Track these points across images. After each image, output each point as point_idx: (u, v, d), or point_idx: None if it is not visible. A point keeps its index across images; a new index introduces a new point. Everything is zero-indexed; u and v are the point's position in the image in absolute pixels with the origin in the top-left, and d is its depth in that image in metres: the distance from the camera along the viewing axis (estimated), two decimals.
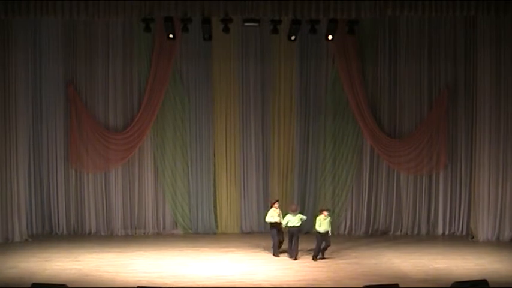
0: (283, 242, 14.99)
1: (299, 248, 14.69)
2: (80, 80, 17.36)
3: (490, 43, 16.33)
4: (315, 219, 14.71)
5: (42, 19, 16.39)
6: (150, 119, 17.21)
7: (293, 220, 14.60)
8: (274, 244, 14.95)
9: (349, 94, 17.24)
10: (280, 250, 14.99)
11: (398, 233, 17.52)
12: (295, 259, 14.56)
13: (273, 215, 14.88)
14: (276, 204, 15.03)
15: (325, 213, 14.59)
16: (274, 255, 14.89)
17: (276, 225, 14.85)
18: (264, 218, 15.34)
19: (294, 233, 14.60)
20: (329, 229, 14.59)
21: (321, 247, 14.60)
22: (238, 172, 17.71)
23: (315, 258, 14.53)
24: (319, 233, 14.54)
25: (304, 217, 14.83)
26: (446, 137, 17.42)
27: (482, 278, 10.55)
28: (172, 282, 12.49)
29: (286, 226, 14.65)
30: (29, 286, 9.85)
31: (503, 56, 16.24)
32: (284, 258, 14.80)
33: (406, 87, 17.51)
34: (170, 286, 11.83)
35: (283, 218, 14.79)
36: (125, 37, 17.30)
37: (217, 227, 17.81)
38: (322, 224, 14.52)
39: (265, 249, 15.42)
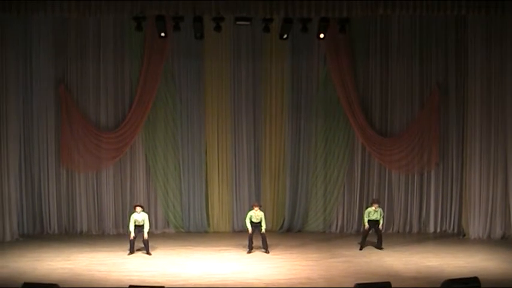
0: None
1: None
2: (71, 79, 17.27)
3: (481, 42, 16.39)
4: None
5: (33, 17, 16.29)
6: (142, 117, 17.15)
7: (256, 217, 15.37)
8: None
9: (341, 93, 17.25)
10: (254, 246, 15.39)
11: (390, 231, 17.54)
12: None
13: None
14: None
15: (375, 205, 15.66)
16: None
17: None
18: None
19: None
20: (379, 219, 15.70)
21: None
22: (230, 170, 17.70)
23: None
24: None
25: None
26: (437, 136, 17.46)
27: (473, 276, 10.57)
28: (164, 281, 12.47)
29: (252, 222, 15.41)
30: (20, 286, 9.80)
31: (494, 55, 16.29)
32: (276, 256, 14.87)
33: (397, 86, 17.55)
34: (162, 285, 11.77)
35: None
36: (116, 36, 17.23)
37: (209, 225, 17.80)
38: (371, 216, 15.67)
39: (257, 247, 15.48)
